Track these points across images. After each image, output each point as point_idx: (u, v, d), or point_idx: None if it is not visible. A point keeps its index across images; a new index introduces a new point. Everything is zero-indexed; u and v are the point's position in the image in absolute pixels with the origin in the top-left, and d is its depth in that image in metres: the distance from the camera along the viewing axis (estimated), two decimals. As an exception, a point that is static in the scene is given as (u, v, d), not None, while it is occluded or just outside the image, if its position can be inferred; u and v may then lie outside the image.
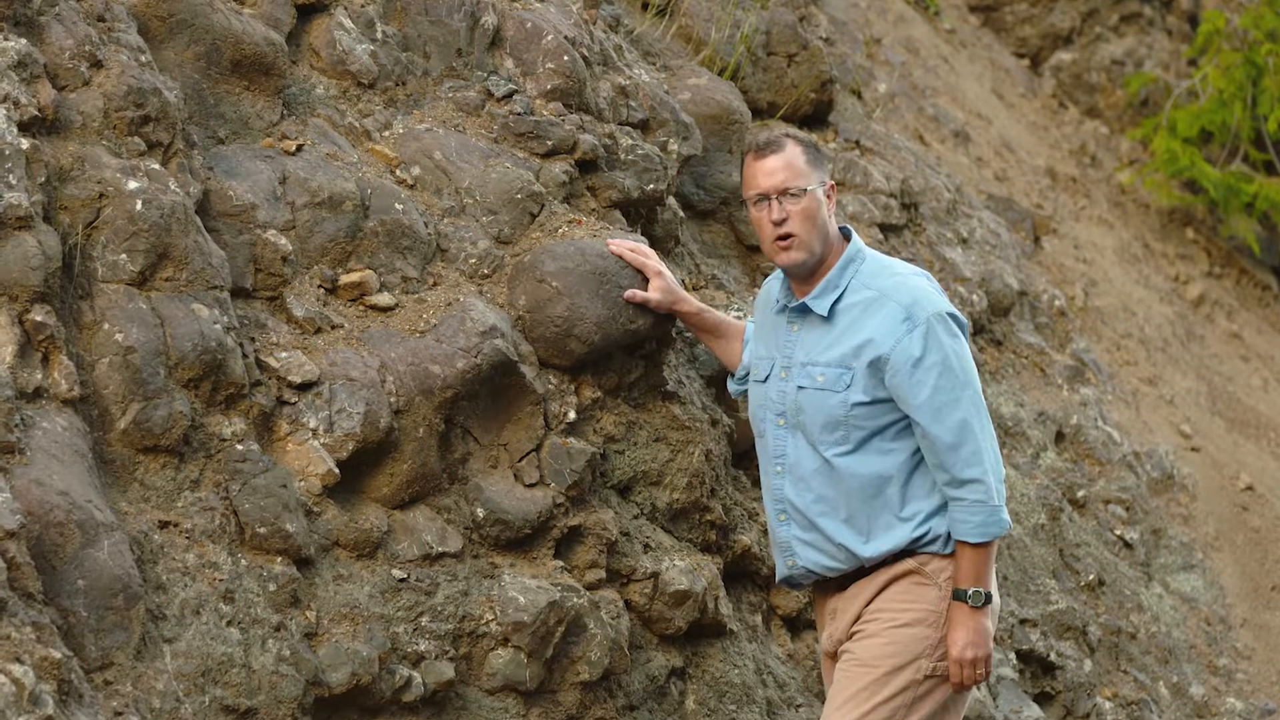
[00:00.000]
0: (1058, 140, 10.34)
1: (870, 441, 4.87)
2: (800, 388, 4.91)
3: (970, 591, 4.82)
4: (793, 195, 4.87)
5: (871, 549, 4.89)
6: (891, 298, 4.86)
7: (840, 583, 4.98)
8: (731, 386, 5.34)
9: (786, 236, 4.87)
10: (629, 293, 5.23)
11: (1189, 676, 7.31)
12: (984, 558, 4.83)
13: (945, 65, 9.85)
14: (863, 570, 4.93)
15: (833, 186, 4.95)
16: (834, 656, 5.01)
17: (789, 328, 4.98)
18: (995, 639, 4.98)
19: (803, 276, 4.95)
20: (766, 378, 5.01)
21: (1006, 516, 4.86)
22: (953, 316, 4.87)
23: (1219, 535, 8.12)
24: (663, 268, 5.31)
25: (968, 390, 4.83)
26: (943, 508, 4.86)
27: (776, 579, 5.12)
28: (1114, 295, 9.14)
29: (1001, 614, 6.47)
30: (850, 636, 4.94)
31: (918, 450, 4.87)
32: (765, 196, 4.90)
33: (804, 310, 4.95)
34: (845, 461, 4.88)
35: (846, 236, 4.99)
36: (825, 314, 4.90)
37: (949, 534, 4.87)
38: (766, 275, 6.23)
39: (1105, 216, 9.92)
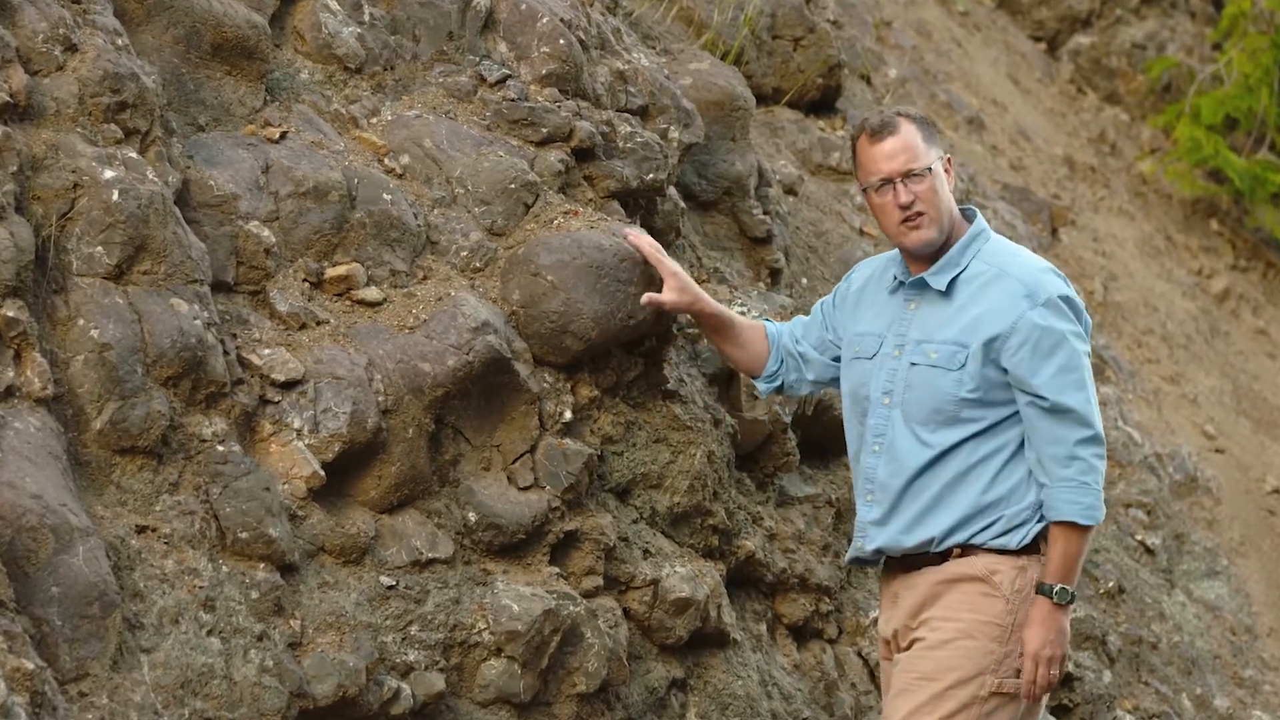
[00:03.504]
0: (1076, 128, 10.36)
1: (970, 425, 4.87)
2: (913, 364, 4.92)
3: (1057, 588, 4.83)
4: (916, 176, 4.90)
5: (945, 528, 4.86)
6: (1012, 274, 4.89)
7: (906, 565, 4.95)
8: (761, 386, 5.31)
9: (916, 216, 4.90)
10: (646, 297, 5.20)
11: (1213, 688, 7.33)
12: (1079, 545, 4.84)
13: (958, 49, 9.87)
14: (929, 555, 4.91)
15: (950, 160, 4.99)
16: (889, 644, 4.99)
17: (906, 305, 4.99)
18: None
19: (928, 256, 4.96)
20: (874, 355, 5.01)
21: (1104, 506, 4.91)
22: (1068, 301, 4.89)
23: (1244, 540, 8.18)
24: (678, 267, 5.29)
25: (1086, 373, 4.86)
26: (1026, 502, 4.85)
27: (845, 559, 5.15)
28: (1135, 290, 9.21)
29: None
30: (910, 644, 4.91)
31: (1013, 441, 4.87)
32: (888, 180, 4.91)
33: (922, 286, 4.96)
34: (943, 443, 4.87)
35: (969, 218, 5.03)
36: (943, 290, 4.92)
37: (1026, 527, 4.85)
38: (771, 269, 6.37)
39: (1125, 207, 9.96)
